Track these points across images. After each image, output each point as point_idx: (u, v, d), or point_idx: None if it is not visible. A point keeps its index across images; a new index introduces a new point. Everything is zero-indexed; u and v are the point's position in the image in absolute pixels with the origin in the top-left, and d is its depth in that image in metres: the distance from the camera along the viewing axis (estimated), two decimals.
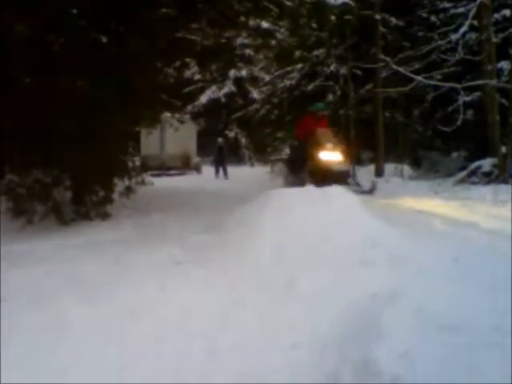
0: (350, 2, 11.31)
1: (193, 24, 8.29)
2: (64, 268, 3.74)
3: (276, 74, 17.42)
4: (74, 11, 5.73)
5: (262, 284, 3.26)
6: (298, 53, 15.16)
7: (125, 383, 2.26)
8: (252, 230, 4.07)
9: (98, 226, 5.92)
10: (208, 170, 18.88)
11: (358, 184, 9.10)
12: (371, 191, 8.72)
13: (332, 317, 2.65)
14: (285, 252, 3.65)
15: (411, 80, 11.59)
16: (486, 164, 10.62)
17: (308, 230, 3.89)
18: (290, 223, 4.01)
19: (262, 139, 21.74)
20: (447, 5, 13.19)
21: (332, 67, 15.18)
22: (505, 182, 9.70)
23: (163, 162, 18.98)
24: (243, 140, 29.38)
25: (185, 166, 19.94)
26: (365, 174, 12.11)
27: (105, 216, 6.33)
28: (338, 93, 15.50)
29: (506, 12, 11.79)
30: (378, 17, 12.63)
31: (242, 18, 8.50)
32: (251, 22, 9.05)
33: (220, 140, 19.13)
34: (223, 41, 9.65)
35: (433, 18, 13.44)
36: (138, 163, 9.07)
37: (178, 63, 9.45)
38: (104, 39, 5.99)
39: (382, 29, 13.11)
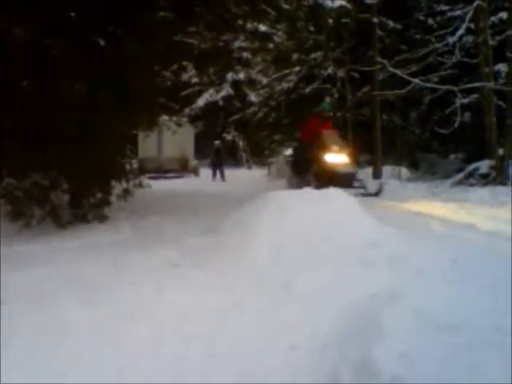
0: (348, 5, 11.34)
1: (190, 27, 8.31)
2: (63, 270, 3.72)
3: (273, 76, 17.46)
4: (72, 14, 5.74)
5: (260, 286, 3.24)
6: (295, 56, 15.16)
7: None
8: (250, 232, 4.05)
9: (95, 228, 5.90)
10: (206, 173, 18.89)
11: (363, 186, 9.02)
12: (377, 193, 8.67)
13: (331, 317, 2.64)
14: (283, 253, 3.64)
15: (408, 83, 11.64)
16: (484, 166, 10.64)
17: (306, 231, 3.87)
18: (288, 224, 3.99)
19: (259, 142, 21.81)
20: (444, 8, 13.29)
21: (329, 70, 15.21)
22: (502, 183, 9.72)
23: (161, 164, 19.00)
24: (241, 143, 29.46)
25: (182, 168, 19.96)
26: (363, 176, 12.10)
27: (102, 219, 6.31)
28: (336, 96, 15.53)
29: (503, 15, 11.82)
30: (375, 20, 12.68)
31: (240, 22, 8.53)
32: (249, 25, 9.06)
33: (217, 142, 19.16)
34: (221, 44, 9.68)
35: (430, 21, 13.49)
36: (135, 166, 9.07)
37: (175, 66, 9.49)
38: (102, 42, 5.99)
39: (379, 32, 13.17)
